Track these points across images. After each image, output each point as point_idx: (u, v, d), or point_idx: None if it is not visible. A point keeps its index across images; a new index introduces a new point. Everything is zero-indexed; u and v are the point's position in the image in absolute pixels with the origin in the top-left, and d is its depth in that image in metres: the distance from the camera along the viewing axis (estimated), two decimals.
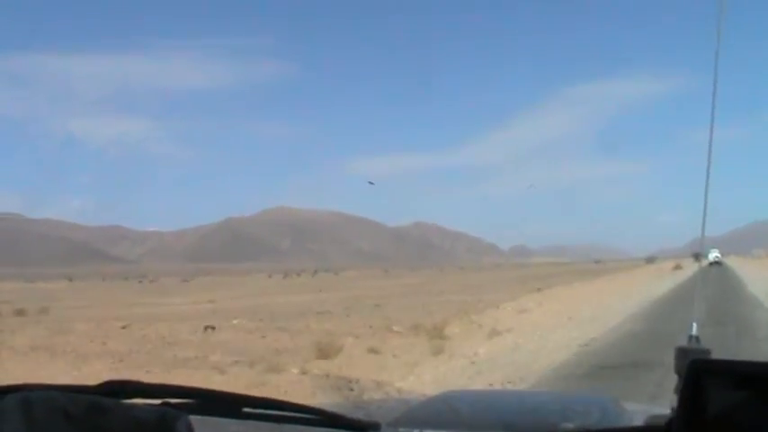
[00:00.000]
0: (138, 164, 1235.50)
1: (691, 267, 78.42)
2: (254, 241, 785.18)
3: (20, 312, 29.19)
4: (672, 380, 1.49)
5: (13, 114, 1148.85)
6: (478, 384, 10.22)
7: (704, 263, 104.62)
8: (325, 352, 12.95)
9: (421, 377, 11.13)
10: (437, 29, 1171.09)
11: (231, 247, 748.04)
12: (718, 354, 1.55)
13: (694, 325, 1.85)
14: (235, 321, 20.85)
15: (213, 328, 17.86)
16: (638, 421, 1.75)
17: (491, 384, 10.13)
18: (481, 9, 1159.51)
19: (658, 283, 39.57)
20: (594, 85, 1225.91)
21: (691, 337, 1.80)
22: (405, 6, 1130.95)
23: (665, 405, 1.69)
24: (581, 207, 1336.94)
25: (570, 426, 1.86)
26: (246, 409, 1.62)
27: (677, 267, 76.08)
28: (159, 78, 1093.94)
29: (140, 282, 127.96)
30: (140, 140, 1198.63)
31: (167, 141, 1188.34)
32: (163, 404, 1.53)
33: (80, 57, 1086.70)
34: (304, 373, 10.92)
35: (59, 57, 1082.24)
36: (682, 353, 1.61)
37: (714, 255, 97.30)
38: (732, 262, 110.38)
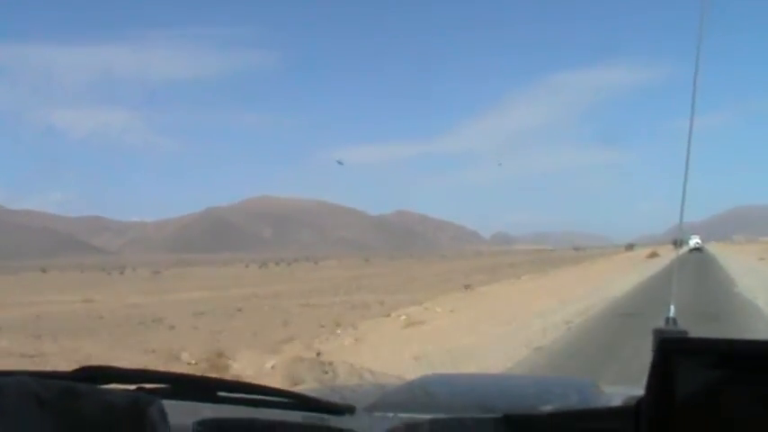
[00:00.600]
0: (121, 154, 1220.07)
1: (668, 255, 73.56)
2: (236, 230, 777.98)
3: None
4: None
5: None
6: None
7: (684, 249, 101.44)
8: None
9: None
10: (420, 18, 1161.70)
11: (213, 237, 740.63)
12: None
13: (672, 307, 1.86)
14: (3, 343, 15.14)
15: None
16: (616, 403, 1.72)
17: None
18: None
19: (625, 276, 33.41)
20: (576, 74, 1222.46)
21: (668, 319, 1.81)
22: None
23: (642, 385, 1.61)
24: (565, 194, 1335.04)
25: (548, 408, 1.85)
26: (221, 393, 1.60)
27: (653, 255, 70.85)
28: (141, 68, 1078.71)
29: (109, 274, 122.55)
30: (122, 131, 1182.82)
31: (150, 131, 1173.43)
32: (137, 389, 1.51)
33: (62, 47, 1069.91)
34: None
35: (41, 47, 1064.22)
36: (659, 335, 1.63)
37: (694, 241, 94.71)
38: (713, 248, 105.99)
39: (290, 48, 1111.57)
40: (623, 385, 2.37)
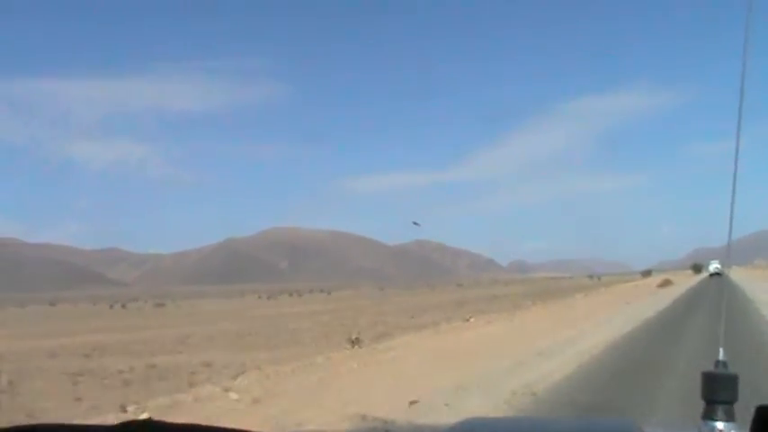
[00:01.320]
0: (138, 186, 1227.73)
1: (684, 283, 66.57)
2: (253, 261, 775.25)
3: None
4: None
5: (11, 139, 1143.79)
6: None
7: (705, 275, 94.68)
8: None
9: None
10: (432, 48, 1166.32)
11: (230, 268, 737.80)
12: (744, 378, 1.52)
13: (721, 350, 1.80)
14: None
15: None
16: None
17: None
18: (476, 27, 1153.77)
19: (614, 317, 26.36)
20: (591, 100, 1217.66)
21: (718, 362, 1.74)
22: (399, 26, 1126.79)
23: (689, 427, 1.66)
24: (582, 221, 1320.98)
25: None
26: None
27: (665, 284, 63.46)
28: (157, 101, 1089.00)
29: (111, 307, 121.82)
30: (140, 163, 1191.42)
31: (167, 163, 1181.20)
32: None
33: (78, 81, 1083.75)
34: None
35: (57, 81, 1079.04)
36: (709, 378, 1.59)
37: (714, 266, 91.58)
38: (736, 274, 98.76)
39: (303, 79, 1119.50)
40: (664, 426, 2.16)
